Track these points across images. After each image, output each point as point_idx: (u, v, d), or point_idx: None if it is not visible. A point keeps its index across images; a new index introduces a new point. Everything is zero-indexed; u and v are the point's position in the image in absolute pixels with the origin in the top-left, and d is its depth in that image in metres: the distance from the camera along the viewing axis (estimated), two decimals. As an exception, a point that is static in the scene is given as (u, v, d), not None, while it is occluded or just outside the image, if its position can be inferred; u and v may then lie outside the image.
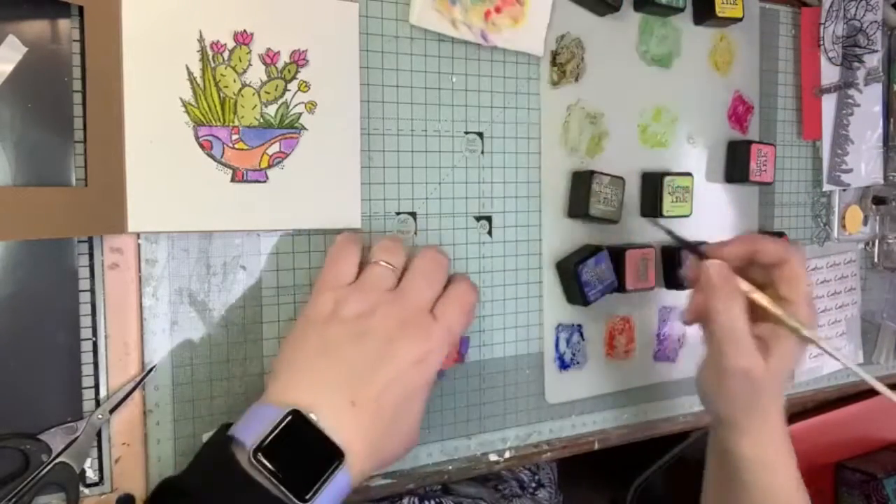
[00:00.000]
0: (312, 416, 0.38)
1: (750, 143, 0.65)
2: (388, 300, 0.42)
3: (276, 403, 0.39)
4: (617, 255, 0.58)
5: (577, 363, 0.60)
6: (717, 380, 0.49)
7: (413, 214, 0.52)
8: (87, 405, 0.43)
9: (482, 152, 0.55)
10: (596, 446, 0.61)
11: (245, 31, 0.44)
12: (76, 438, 0.42)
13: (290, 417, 0.37)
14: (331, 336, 0.41)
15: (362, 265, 0.44)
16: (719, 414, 0.51)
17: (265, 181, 0.46)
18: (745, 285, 0.47)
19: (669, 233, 0.51)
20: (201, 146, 0.44)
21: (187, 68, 0.43)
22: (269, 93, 0.45)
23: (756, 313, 0.48)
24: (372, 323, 0.41)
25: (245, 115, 0.45)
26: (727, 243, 0.50)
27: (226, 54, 0.44)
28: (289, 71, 0.46)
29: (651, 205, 0.61)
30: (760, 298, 0.47)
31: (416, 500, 0.59)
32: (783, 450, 0.50)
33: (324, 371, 0.40)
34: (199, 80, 0.43)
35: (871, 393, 0.80)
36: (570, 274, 0.56)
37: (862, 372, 0.48)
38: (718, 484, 0.54)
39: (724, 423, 0.50)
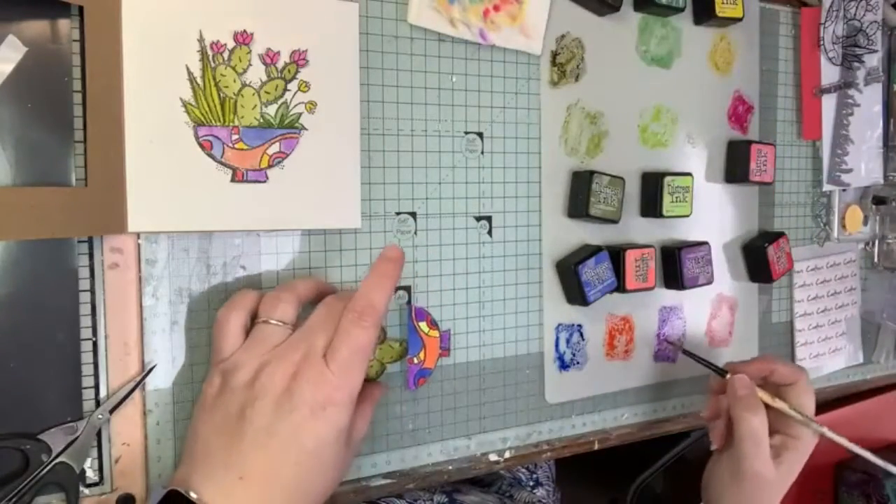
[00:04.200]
0: (192, 495, 0.38)
1: (750, 143, 0.65)
2: (275, 357, 0.41)
3: (174, 485, 0.39)
4: (617, 255, 0.58)
5: (577, 363, 0.60)
6: (729, 478, 0.55)
7: (413, 214, 0.52)
8: (87, 405, 0.43)
9: (482, 152, 0.55)
10: (596, 446, 0.61)
11: (245, 31, 0.44)
12: (76, 438, 0.42)
13: (167, 495, 0.38)
14: (221, 412, 0.41)
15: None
16: None
17: (265, 181, 0.46)
18: (764, 396, 0.55)
19: (697, 358, 0.60)
20: (201, 146, 0.44)
21: (187, 68, 0.43)
22: (269, 93, 0.45)
23: (770, 427, 0.54)
24: (259, 387, 0.40)
25: (245, 115, 0.45)
26: (748, 363, 0.57)
27: (226, 54, 0.44)
28: (289, 71, 0.46)
29: (651, 205, 0.61)
30: (779, 404, 0.55)
31: None
32: None
33: (214, 450, 0.40)
34: (199, 80, 0.43)
35: (871, 393, 0.81)
36: (570, 274, 0.56)
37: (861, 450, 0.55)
38: None
39: None
